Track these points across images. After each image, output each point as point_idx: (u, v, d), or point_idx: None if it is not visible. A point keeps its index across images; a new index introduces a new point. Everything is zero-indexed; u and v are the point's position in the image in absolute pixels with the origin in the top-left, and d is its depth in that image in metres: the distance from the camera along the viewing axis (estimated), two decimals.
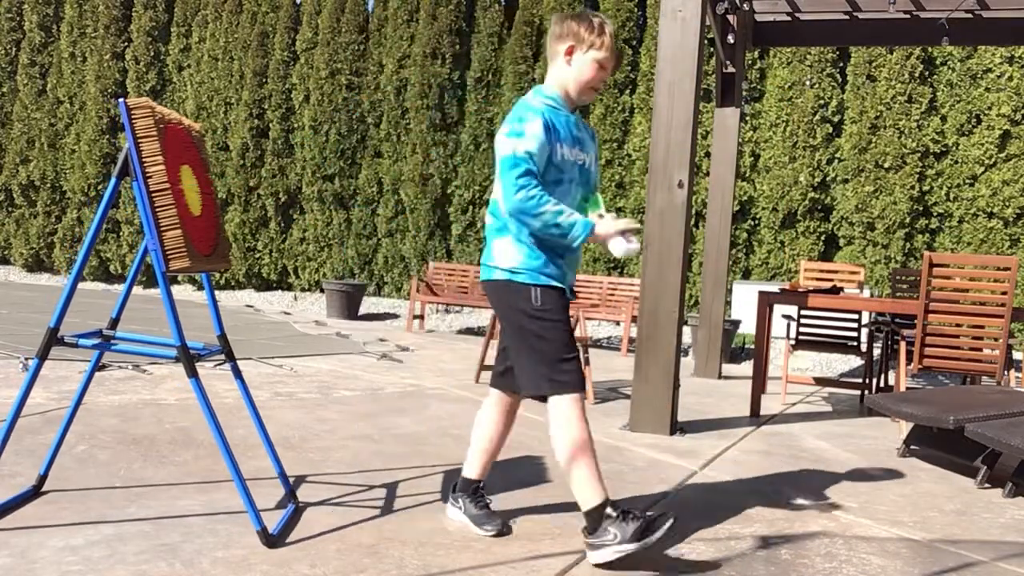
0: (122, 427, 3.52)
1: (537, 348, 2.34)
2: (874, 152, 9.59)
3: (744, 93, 9.64)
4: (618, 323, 9.34)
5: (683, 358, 8.61)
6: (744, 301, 9.33)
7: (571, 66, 2.42)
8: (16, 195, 14.26)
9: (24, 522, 2.31)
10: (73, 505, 2.48)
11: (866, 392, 5.91)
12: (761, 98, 10.30)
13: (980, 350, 4.78)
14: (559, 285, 2.40)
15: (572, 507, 2.85)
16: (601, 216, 2.40)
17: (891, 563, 2.50)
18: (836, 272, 6.98)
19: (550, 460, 3.52)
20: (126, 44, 13.61)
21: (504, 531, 2.52)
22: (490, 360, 6.66)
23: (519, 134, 2.32)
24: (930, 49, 9.49)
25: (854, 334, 6.19)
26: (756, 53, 10.18)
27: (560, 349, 2.34)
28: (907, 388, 4.94)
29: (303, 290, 12.66)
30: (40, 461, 2.88)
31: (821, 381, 6.13)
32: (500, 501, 2.86)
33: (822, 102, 9.89)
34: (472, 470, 2.62)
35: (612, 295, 9.61)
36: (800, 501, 3.16)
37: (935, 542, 2.75)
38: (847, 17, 6.74)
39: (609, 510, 2.29)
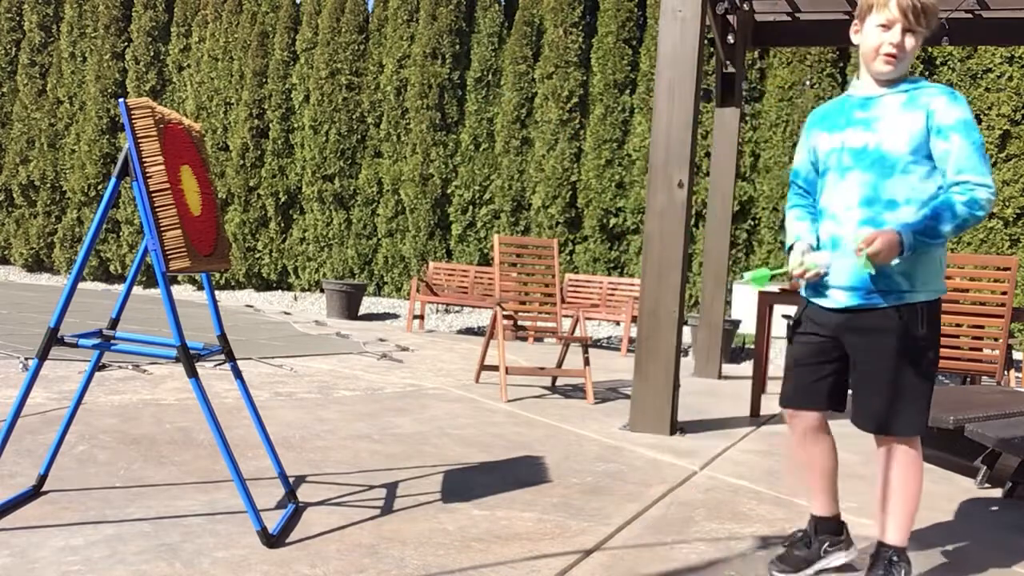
0: (122, 427, 3.52)
1: None
2: None
3: (744, 93, 9.65)
4: (618, 323, 9.35)
5: (683, 358, 8.61)
6: (744, 301, 9.33)
7: (859, 44, 2.21)
8: (16, 195, 14.26)
9: (24, 522, 2.31)
10: (73, 505, 2.48)
11: None
12: (761, 98, 10.30)
13: (980, 350, 4.77)
14: (806, 297, 2.33)
15: (572, 507, 2.85)
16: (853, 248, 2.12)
17: None
18: None
19: (550, 460, 3.52)
20: (126, 44, 13.61)
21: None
22: (490, 360, 6.65)
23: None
24: (930, 49, 9.50)
25: None
26: (756, 53, 10.18)
27: (787, 363, 2.39)
28: None
29: (303, 290, 12.66)
30: (40, 461, 2.88)
31: None
32: (500, 501, 2.86)
33: (822, 102, 9.88)
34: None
35: (612, 295, 9.61)
36: (800, 501, 3.16)
37: (935, 542, 2.75)
38: (847, 17, 6.73)
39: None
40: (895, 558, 2.20)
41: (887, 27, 2.12)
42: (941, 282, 2.21)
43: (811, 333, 2.29)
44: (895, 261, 2.08)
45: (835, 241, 2.21)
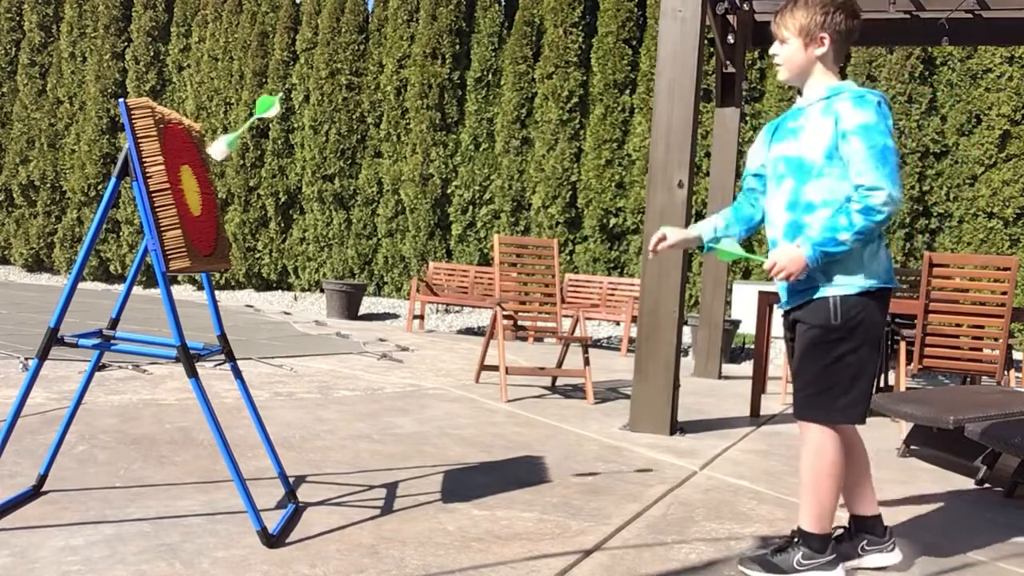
0: (122, 427, 3.52)
1: None
2: None
3: (744, 93, 9.64)
4: (618, 323, 9.35)
5: (683, 358, 8.61)
6: (744, 301, 9.33)
7: None
8: (16, 195, 14.26)
9: (24, 522, 2.31)
10: (73, 505, 2.48)
11: None
12: (761, 98, 10.29)
13: (980, 350, 4.77)
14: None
15: (572, 507, 2.85)
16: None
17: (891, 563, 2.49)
18: None
19: (550, 460, 3.52)
20: (126, 44, 13.61)
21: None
22: (490, 360, 6.65)
23: None
24: (930, 49, 9.49)
25: None
26: (756, 53, 10.18)
27: None
28: (907, 388, 4.94)
29: (303, 290, 12.66)
30: (40, 461, 2.88)
31: None
32: (500, 501, 2.86)
33: None
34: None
35: (612, 295, 9.61)
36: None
37: (935, 542, 2.75)
38: None
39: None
40: (795, 540, 2.31)
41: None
42: (866, 277, 2.25)
43: (788, 339, 2.47)
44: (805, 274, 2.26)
45: (773, 243, 2.38)
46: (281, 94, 2.59)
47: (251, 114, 2.57)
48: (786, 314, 2.43)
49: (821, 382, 2.26)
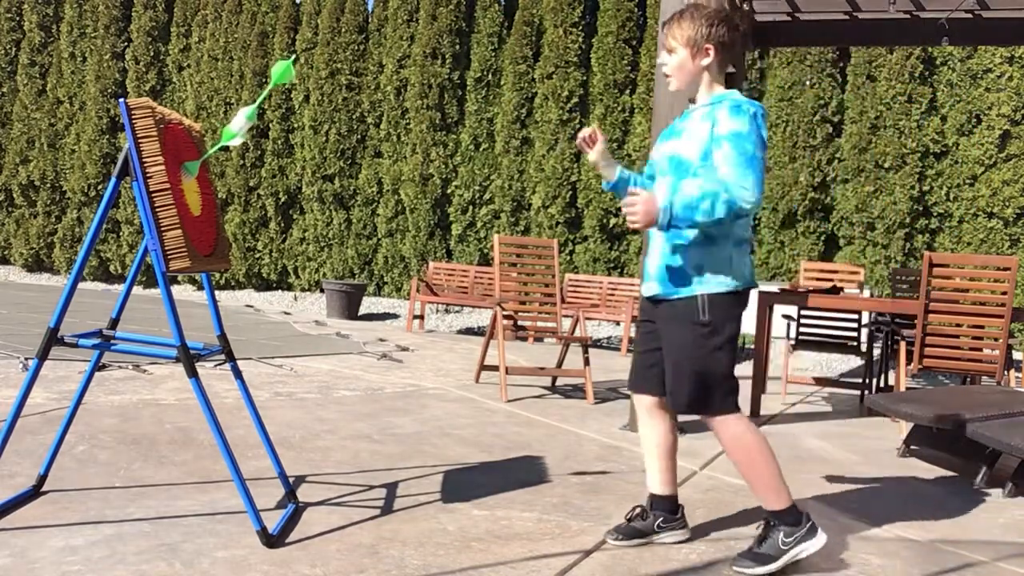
0: (122, 427, 3.52)
1: None
2: (874, 152, 9.59)
3: (744, 93, 9.65)
4: (618, 323, 9.35)
5: None
6: None
7: None
8: (16, 195, 14.26)
9: (24, 522, 2.31)
10: (73, 505, 2.48)
11: (866, 392, 5.91)
12: (761, 98, 10.29)
13: (980, 350, 4.77)
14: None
15: (572, 507, 2.85)
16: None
17: (891, 563, 2.50)
18: (836, 272, 6.98)
19: (550, 460, 3.52)
20: (126, 44, 13.61)
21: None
22: (490, 360, 6.65)
23: None
24: (930, 49, 9.49)
25: (854, 334, 6.19)
26: (756, 53, 10.18)
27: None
28: (907, 388, 4.94)
29: (303, 290, 12.66)
30: (40, 461, 2.88)
31: (821, 381, 6.12)
32: (500, 501, 2.86)
33: (822, 102, 9.89)
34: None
35: (612, 295, 9.61)
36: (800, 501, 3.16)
37: (935, 542, 2.75)
38: (847, 17, 6.72)
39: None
40: (773, 523, 2.40)
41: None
42: (730, 277, 2.37)
43: (644, 320, 2.57)
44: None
45: (650, 235, 2.48)
46: (293, 56, 2.52)
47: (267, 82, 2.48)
48: (651, 301, 2.48)
49: (709, 376, 2.39)
